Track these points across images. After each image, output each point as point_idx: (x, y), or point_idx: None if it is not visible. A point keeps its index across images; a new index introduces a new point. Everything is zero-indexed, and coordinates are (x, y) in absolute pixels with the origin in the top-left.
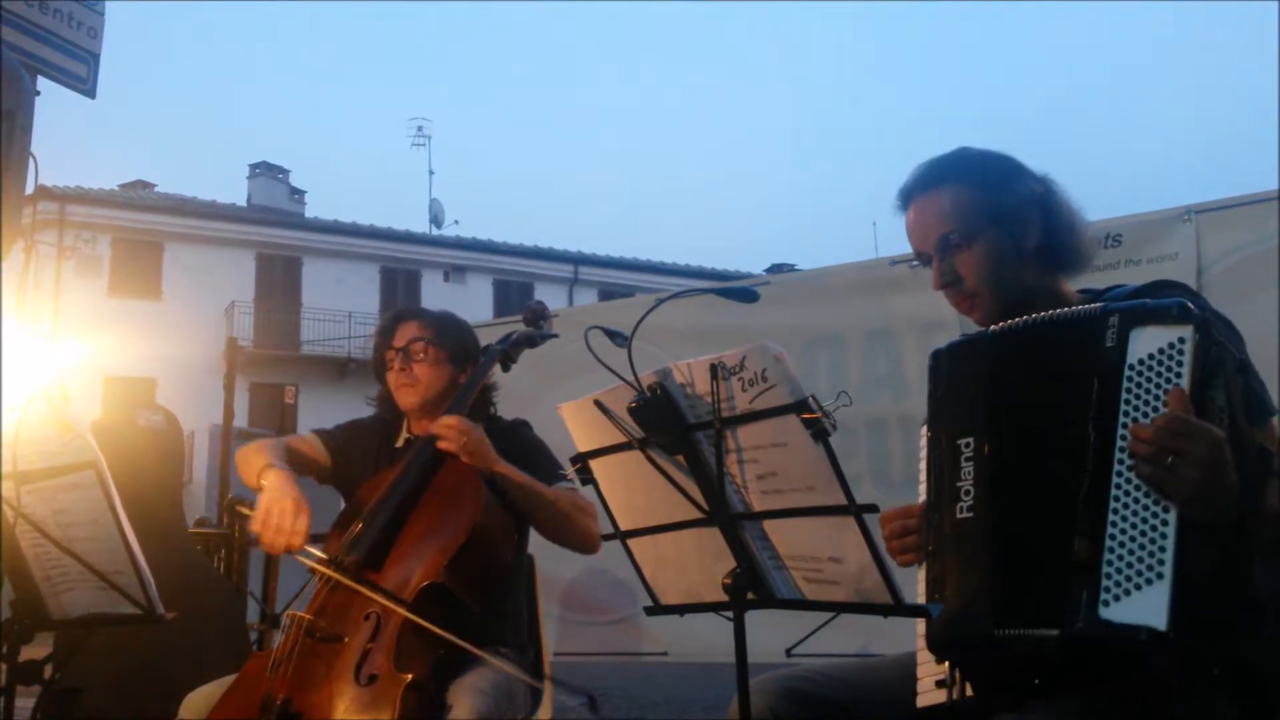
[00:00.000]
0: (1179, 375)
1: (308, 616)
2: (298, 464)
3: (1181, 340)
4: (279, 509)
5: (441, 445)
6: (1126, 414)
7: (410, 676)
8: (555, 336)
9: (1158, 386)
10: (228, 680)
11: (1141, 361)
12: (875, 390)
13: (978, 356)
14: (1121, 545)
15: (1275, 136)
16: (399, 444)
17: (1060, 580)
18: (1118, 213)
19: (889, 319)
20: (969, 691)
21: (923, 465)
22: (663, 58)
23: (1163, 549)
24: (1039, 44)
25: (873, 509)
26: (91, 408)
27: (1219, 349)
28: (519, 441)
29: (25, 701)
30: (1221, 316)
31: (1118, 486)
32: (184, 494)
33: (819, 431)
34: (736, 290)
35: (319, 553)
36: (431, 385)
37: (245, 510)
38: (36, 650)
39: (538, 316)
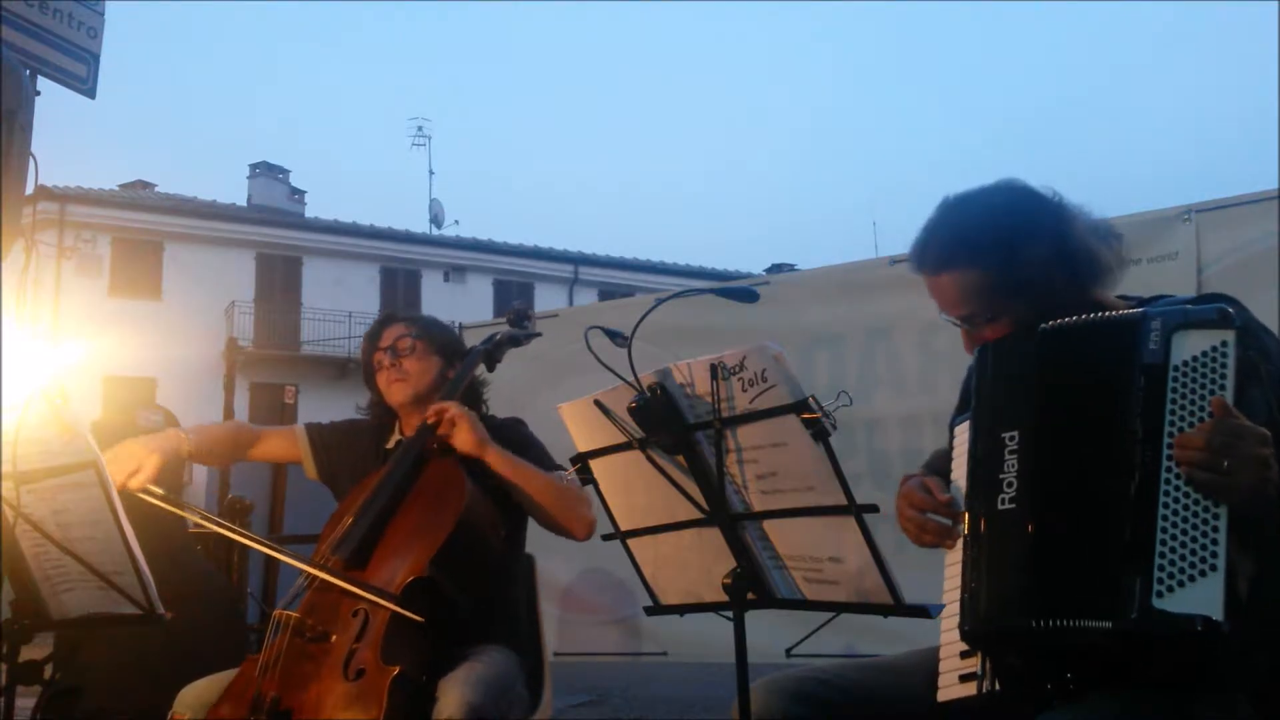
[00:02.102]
0: (1223, 377)
1: (295, 615)
2: (247, 450)
3: (1224, 344)
4: (127, 451)
5: (430, 414)
6: (1173, 412)
7: (398, 669)
8: (538, 335)
9: (1203, 388)
10: (221, 676)
11: (1186, 364)
12: (875, 390)
13: (1025, 353)
14: (1173, 539)
15: (1275, 136)
16: (389, 445)
17: (1110, 572)
18: (1117, 212)
19: (889, 319)
20: (997, 686)
21: (956, 459)
22: (663, 58)
23: (1215, 542)
24: (1039, 43)
25: (873, 509)
26: (91, 408)
27: (1257, 353)
28: (513, 436)
29: (25, 701)
30: (1264, 326)
31: (1167, 482)
32: (184, 494)
33: (819, 431)
34: (736, 290)
35: (158, 490)
36: (422, 378)
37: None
38: (36, 650)
39: (521, 317)
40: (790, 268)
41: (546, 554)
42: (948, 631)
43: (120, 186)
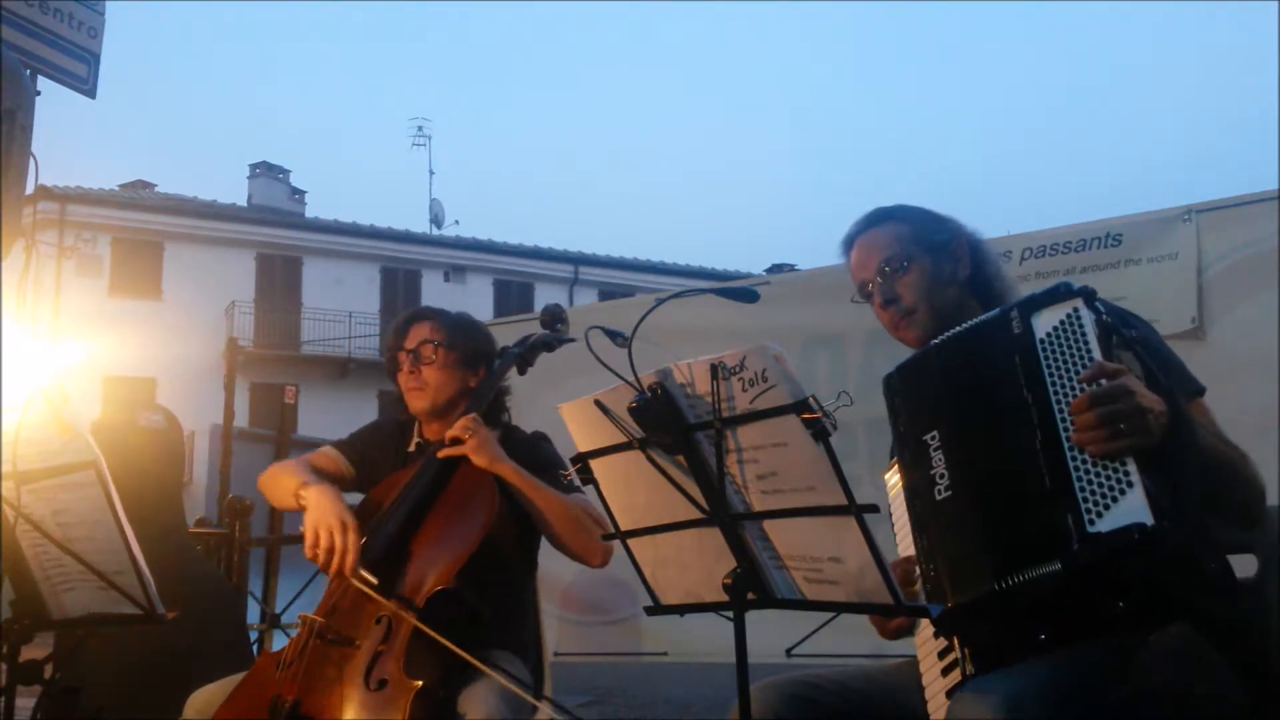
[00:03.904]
0: (1084, 337)
1: (319, 619)
2: (325, 479)
3: (1076, 310)
4: (326, 529)
5: (449, 438)
6: (1052, 376)
7: (420, 684)
8: (573, 340)
9: (1071, 350)
10: (232, 680)
11: (1049, 335)
12: (875, 390)
13: (923, 367)
14: (1086, 473)
15: (1275, 136)
16: (410, 448)
17: (1045, 519)
18: (1117, 212)
19: None
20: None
21: (893, 504)
22: (663, 58)
23: (1124, 463)
24: (1039, 43)
25: (873, 509)
26: (91, 408)
27: (1110, 314)
28: (534, 455)
29: (25, 701)
30: (1136, 315)
31: (1064, 429)
32: (184, 494)
33: (819, 431)
34: (736, 290)
35: (371, 578)
36: (441, 390)
37: (296, 537)
38: (36, 650)
39: (555, 319)
40: (790, 268)
41: (547, 554)
42: (926, 656)
43: (120, 186)
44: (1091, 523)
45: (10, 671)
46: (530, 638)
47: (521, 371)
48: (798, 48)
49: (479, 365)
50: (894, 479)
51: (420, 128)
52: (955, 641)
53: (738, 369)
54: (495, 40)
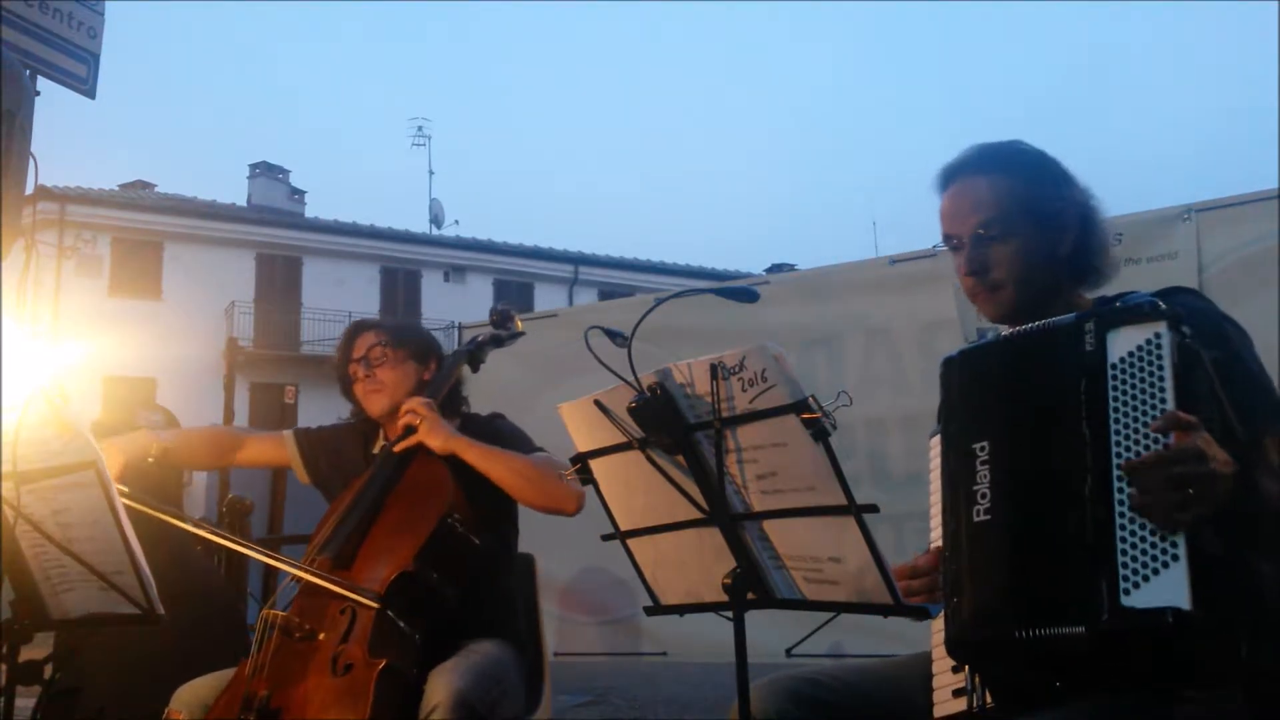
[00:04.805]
0: (1160, 369)
1: (282, 615)
2: (233, 455)
3: (1158, 335)
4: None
5: (400, 424)
6: (1116, 411)
7: (384, 662)
8: (522, 334)
9: (1142, 382)
10: (218, 674)
11: (1123, 360)
12: (875, 390)
13: (986, 363)
14: (1133, 535)
15: (1275, 136)
16: (375, 450)
17: (1079, 576)
18: (1117, 211)
19: (889, 319)
20: (989, 700)
21: (934, 473)
22: (662, 58)
23: (1174, 531)
24: (1039, 42)
25: (873, 509)
26: (91, 408)
27: (1199, 339)
28: (490, 429)
29: (25, 701)
30: (1228, 317)
31: (1119, 479)
32: (184, 494)
33: (819, 431)
34: (736, 290)
35: (123, 488)
36: (398, 386)
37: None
38: (36, 650)
39: (504, 319)
40: (790, 268)
41: (547, 554)
42: (938, 646)
43: (120, 186)
44: (1127, 593)
45: (10, 671)
46: (527, 636)
47: (474, 368)
48: (798, 47)
49: (429, 360)
50: (935, 445)
51: (420, 128)
52: (966, 669)
53: (737, 369)
54: (495, 40)
